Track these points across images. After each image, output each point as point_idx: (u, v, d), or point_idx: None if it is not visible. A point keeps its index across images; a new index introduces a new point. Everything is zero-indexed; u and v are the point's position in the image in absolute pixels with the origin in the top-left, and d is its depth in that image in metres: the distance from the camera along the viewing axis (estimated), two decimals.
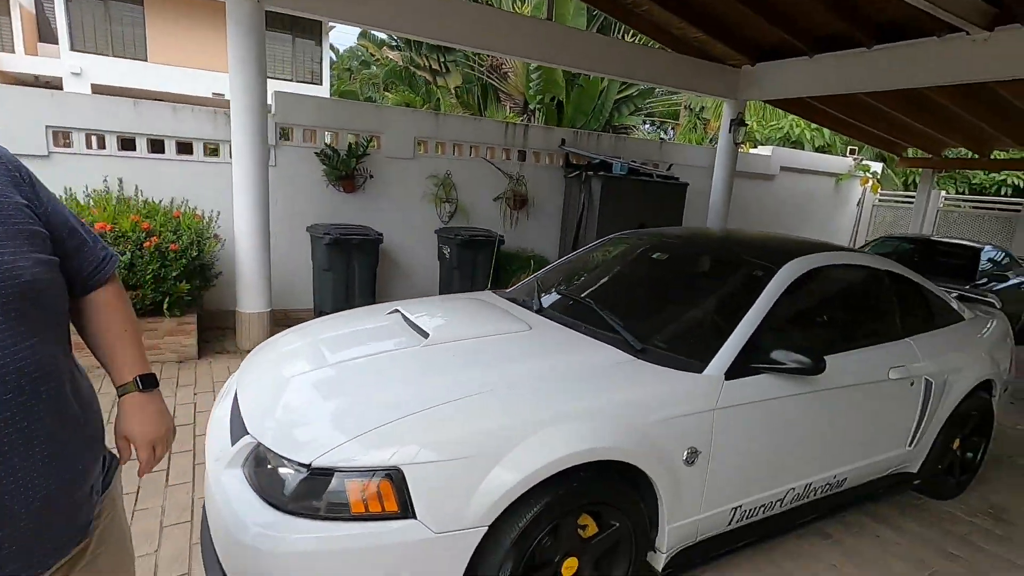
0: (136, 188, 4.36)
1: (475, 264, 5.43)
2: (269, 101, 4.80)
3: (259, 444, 1.62)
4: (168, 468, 2.71)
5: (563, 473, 1.64)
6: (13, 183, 0.91)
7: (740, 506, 2.11)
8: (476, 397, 1.70)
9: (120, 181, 4.39)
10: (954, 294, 3.34)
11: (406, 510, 1.48)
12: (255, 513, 1.50)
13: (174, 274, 3.85)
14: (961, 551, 2.55)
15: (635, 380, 1.91)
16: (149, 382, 1.14)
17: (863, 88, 5.57)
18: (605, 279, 2.85)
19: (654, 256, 2.84)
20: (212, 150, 4.77)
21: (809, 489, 2.34)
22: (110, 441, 1.10)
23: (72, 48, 12.88)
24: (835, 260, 2.57)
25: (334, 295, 4.82)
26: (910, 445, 2.68)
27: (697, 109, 12.43)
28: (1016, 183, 15.13)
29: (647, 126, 18.28)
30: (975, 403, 2.92)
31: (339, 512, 1.47)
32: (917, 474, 2.82)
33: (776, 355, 2.04)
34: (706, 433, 1.91)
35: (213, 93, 13.71)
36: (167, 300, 3.92)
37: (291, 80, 15.16)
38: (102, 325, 1.09)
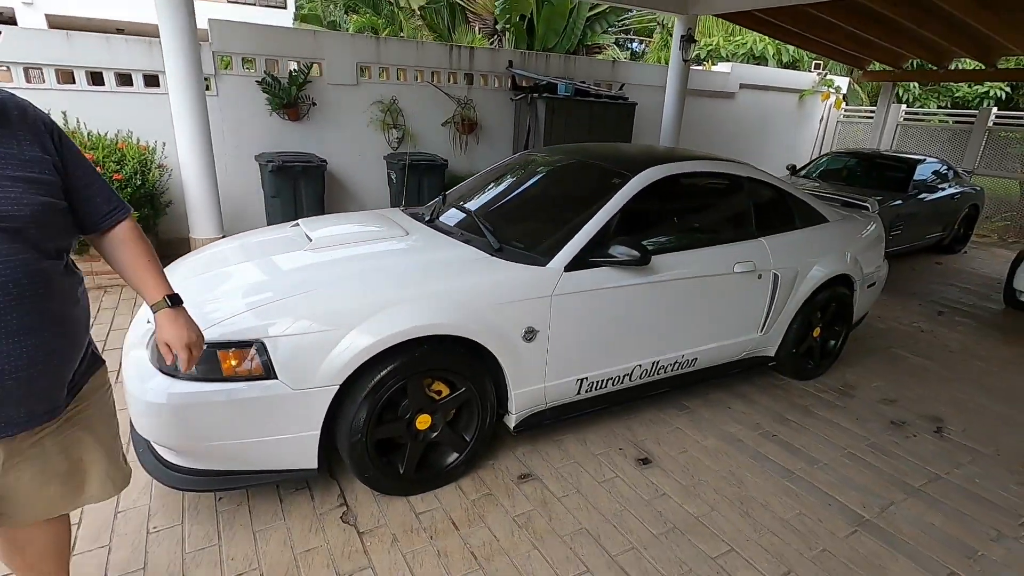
0: (78, 121, 4.53)
1: (421, 188, 5.67)
2: (204, 27, 4.87)
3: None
4: (119, 368, 3.11)
5: (408, 344, 2.02)
6: (38, 139, 1.14)
7: (586, 378, 2.52)
8: (332, 285, 2.05)
9: (64, 114, 4.55)
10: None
11: (269, 373, 1.87)
12: (152, 378, 1.88)
13: None
14: (795, 417, 3.01)
15: (481, 272, 2.25)
16: (176, 300, 1.40)
17: None
18: (498, 192, 3.13)
19: (541, 170, 3.11)
20: (151, 80, 4.88)
21: (658, 367, 2.74)
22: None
23: None
24: (693, 168, 2.86)
25: (283, 219, 5.09)
26: (761, 331, 3.08)
27: (669, 25, 12.08)
28: (998, 95, 14.96)
29: (635, 44, 17.76)
30: (833, 296, 3.29)
31: (215, 374, 1.85)
32: (774, 357, 3.24)
33: (612, 250, 2.38)
34: (543, 315, 2.28)
35: None
36: None
37: (254, 5, 14.60)
38: (125, 258, 1.36)
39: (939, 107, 15.12)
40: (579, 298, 2.35)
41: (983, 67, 7.95)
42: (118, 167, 4.13)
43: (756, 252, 2.90)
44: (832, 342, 3.50)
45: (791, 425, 2.92)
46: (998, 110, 8.75)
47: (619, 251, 2.36)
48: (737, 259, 2.82)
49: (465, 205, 2.95)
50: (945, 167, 7.00)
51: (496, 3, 10.81)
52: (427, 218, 2.87)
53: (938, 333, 4.51)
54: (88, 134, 4.48)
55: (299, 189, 5.14)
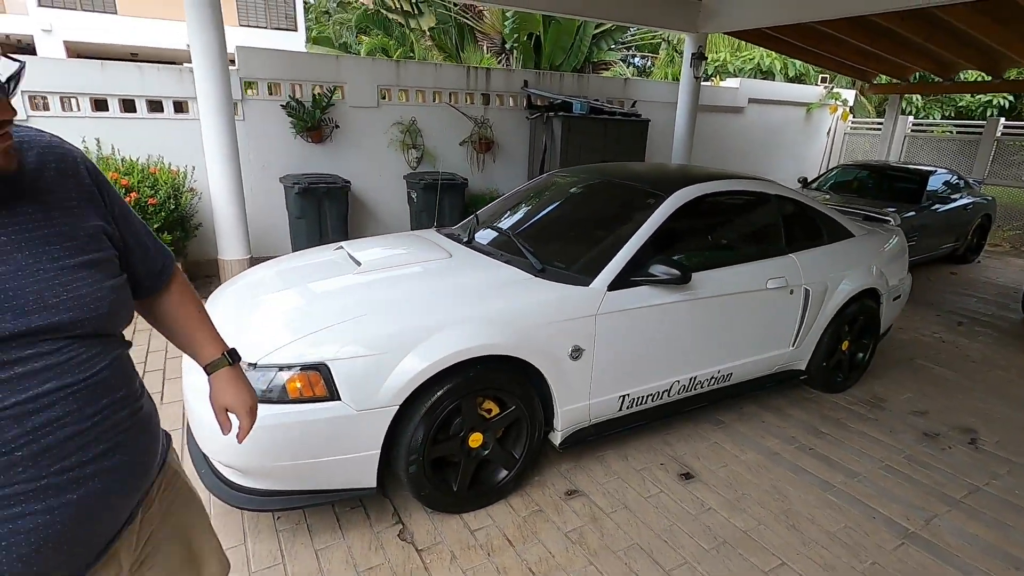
0: (113, 147, 4.65)
1: (441, 206, 5.76)
2: (231, 51, 5.00)
3: None
4: (162, 390, 3.18)
5: (463, 364, 2.08)
6: (88, 199, 0.90)
7: (628, 394, 2.57)
8: (390, 308, 2.12)
9: (98, 141, 4.67)
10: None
11: (333, 394, 1.93)
12: None
13: (155, 226, 4.21)
14: (829, 429, 3.04)
15: (528, 293, 2.32)
16: (236, 355, 1.20)
17: (816, 17, 5.69)
18: (530, 212, 3.20)
19: (572, 190, 3.19)
20: (181, 107, 5.01)
21: (695, 382, 2.79)
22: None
23: (40, 4, 12.64)
24: (725, 187, 2.93)
25: (308, 240, 5.18)
26: (793, 345, 3.12)
27: (675, 42, 12.28)
28: (1001, 103, 15.11)
29: (637, 60, 18.03)
30: (860, 309, 3.34)
31: (282, 397, 1.91)
32: (805, 370, 3.28)
33: (652, 269, 2.45)
34: (588, 334, 2.34)
35: (187, 44, 13.56)
36: None
37: (266, 28, 14.89)
38: (175, 317, 1.15)
39: (943, 117, 15.27)
40: (622, 317, 2.41)
41: (989, 79, 8.05)
42: (152, 192, 4.23)
43: (787, 268, 2.96)
44: (860, 355, 3.54)
45: (826, 438, 2.96)
46: (1006, 120, 8.82)
47: (660, 270, 2.43)
48: (770, 275, 2.88)
49: (500, 226, 3.02)
50: (956, 178, 7.07)
51: (504, 23, 11.03)
52: (465, 239, 2.94)
53: (959, 344, 4.54)
54: (122, 160, 4.60)
55: (323, 210, 5.23)
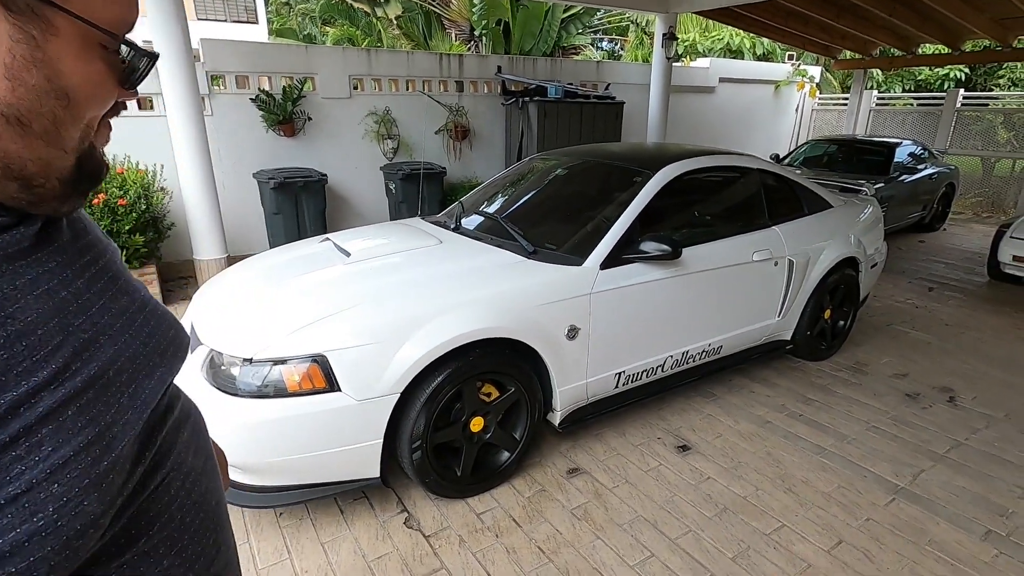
0: None
1: (420, 196, 5.70)
2: (196, 46, 4.84)
3: (211, 350, 2.00)
4: None
5: (462, 349, 2.07)
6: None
7: (623, 371, 2.59)
8: (385, 296, 2.10)
9: None
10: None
11: (332, 385, 1.90)
12: (216, 402, 1.90)
13: (127, 228, 4.07)
14: (817, 396, 3.13)
15: (522, 275, 2.31)
16: None
17: None
18: (515, 196, 3.20)
19: (556, 172, 3.19)
20: (141, 104, 4.84)
21: (687, 356, 2.83)
22: None
23: None
24: (708, 163, 2.96)
25: (286, 236, 5.08)
26: (779, 316, 3.19)
27: (644, 24, 12.30)
28: (958, 76, 15.56)
29: (605, 43, 18.01)
30: (841, 278, 3.43)
31: (281, 391, 1.88)
32: (791, 340, 3.36)
33: (643, 246, 2.47)
34: (584, 313, 2.35)
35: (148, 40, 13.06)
36: (124, 253, 4.17)
37: (225, 21, 14.43)
38: None
39: (904, 90, 15.65)
40: (615, 294, 2.43)
41: (949, 51, 8.27)
42: (121, 192, 4.09)
43: (771, 240, 3.02)
44: (842, 323, 3.64)
45: (814, 404, 3.04)
46: (964, 91, 9.08)
47: (651, 246, 2.45)
48: (755, 248, 2.93)
49: (487, 211, 3.01)
50: (920, 148, 7.27)
51: (472, 9, 10.90)
52: (452, 226, 2.91)
53: (931, 308, 4.69)
54: None
55: (301, 205, 5.13)
